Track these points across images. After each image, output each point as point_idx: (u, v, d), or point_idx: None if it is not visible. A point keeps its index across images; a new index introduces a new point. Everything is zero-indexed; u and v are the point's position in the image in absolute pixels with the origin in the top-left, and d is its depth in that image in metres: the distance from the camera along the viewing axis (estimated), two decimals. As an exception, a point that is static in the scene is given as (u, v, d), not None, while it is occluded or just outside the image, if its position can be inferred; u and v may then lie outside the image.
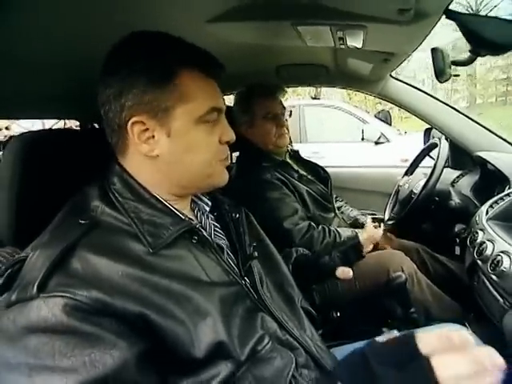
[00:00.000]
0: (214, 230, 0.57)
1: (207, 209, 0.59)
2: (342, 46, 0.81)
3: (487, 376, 0.26)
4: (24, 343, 0.34)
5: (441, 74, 0.62)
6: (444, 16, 0.58)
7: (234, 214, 0.61)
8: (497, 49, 0.55)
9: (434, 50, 0.61)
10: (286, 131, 1.15)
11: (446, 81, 0.72)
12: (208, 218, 0.58)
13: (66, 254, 0.39)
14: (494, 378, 0.26)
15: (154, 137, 0.47)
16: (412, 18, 0.55)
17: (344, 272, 0.71)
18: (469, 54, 0.64)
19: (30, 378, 0.33)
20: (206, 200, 0.60)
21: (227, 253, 0.55)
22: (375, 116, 3.84)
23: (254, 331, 0.48)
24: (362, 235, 1.00)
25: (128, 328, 0.37)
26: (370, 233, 1.02)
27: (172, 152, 0.48)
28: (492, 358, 0.26)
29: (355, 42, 0.75)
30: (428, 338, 0.28)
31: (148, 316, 0.39)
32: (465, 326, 0.85)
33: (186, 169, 0.50)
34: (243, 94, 1.15)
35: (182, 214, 0.50)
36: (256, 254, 0.58)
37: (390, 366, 0.28)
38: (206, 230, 0.55)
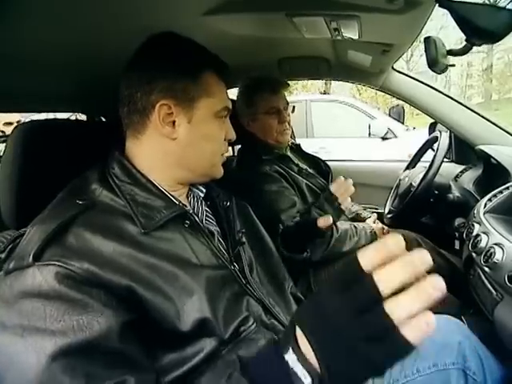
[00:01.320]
0: (206, 216, 0.60)
1: (201, 195, 0.62)
2: (339, 38, 0.81)
3: (422, 277, 0.27)
4: (19, 307, 0.37)
5: (434, 64, 0.62)
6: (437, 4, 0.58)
7: (224, 202, 0.63)
8: (490, 36, 0.54)
9: (426, 40, 0.61)
10: (288, 127, 1.14)
11: (443, 71, 0.71)
12: (201, 204, 0.61)
13: (61, 229, 0.42)
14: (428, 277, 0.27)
15: (175, 122, 0.52)
16: (403, 6, 0.55)
17: (324, 220, 0.74)
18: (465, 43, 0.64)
19: (22, 339, 0.36)
20: (201, 187, 0.63)
21: (218, 238, 0.57)
22: (389, 112, 3.76)
23: (238, 312, 0.50)
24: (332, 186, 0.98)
25: (115, 299, 0.40)
26: (339, 182, 0.98)
27: (189, 137, 0.53)
28: (422, 258, 0.27)
29: (351, 33, 0.75)
30: (367, 253, 0.29)
31: (136, 290, 0.41)
32: (462, 320, 0.85)
33: (197, 154, 0.55)
34: (247, 88, 1.15)
35: (176, 200, 0.53)
36: (244, 239, 0.60)
37: (336, 291, 0.29)
38: (198, 216, 0.57)
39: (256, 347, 0.48)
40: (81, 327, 0.37)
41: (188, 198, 0.60)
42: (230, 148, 1.34)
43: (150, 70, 0.51)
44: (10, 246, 0.43)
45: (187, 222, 0.52)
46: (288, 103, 1.15)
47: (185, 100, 0.52)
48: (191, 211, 0.55)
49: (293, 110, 1.20)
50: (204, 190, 0.63)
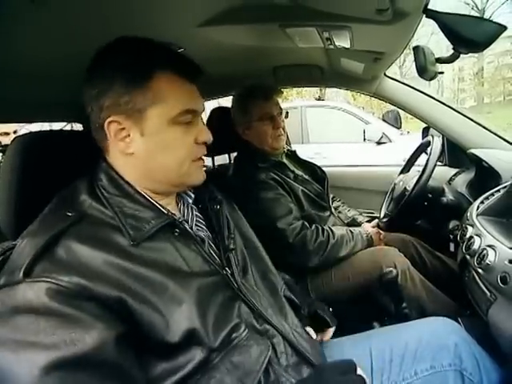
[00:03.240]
0: (197, 221, 0.59)
1: (190, 201, 0.62)
2: (332, 47, 0.83)
3: None
4: (12, 322, 0.37)
5: (423, 72, 0.64)
6: (424, 15, 0.60)
7: (214, 206, 0.63)
8: (474, 46, 0.56)
9: (415, 49, 0.63)
10: (283, 133, 1.15)
11: (432, 79, 0.73)
12: (192, 210, 0.60)
13: (51, 242, 0.42)
14: None
15: (129, 135, 0.50)
16: (392, 17, 0.57)
17: None
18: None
19: (14, 353, 0.36)
20: (190, 193, 0.62)
21: (209, 244, 0.57)
22: (383, 117, 3.76)
23: (229, 319, 0.50)
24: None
25: (107, 311, 0.40)
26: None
27: (146, 150, 0.51)
28: None
29: (343, 42, 0.77)
30: None
31: (126, 301, 0.41)
32: (458, 322, 0.86)
33: (159, 166, 0.52)
34: (241, 96, 1.17)
35: (165, 209, 0.53)
36: (234, 244, 0.60)
37: None
38: (188, 223, 0.57)
39: (248, 354, 0.48)
40: (73, 341, 0.37)
41: (178, 204, 0.59)
42: (227, 155, 1.35)
43: (98, 84, 0.49)
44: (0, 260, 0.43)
45: (177, 230, 0.51)
46: (281, 109, 1.17)
47: (133, 112, 0.49)
48: (181, 219, 0.55)
49: (286, 116, 1.21)
50: (193, 196, 0.62)
